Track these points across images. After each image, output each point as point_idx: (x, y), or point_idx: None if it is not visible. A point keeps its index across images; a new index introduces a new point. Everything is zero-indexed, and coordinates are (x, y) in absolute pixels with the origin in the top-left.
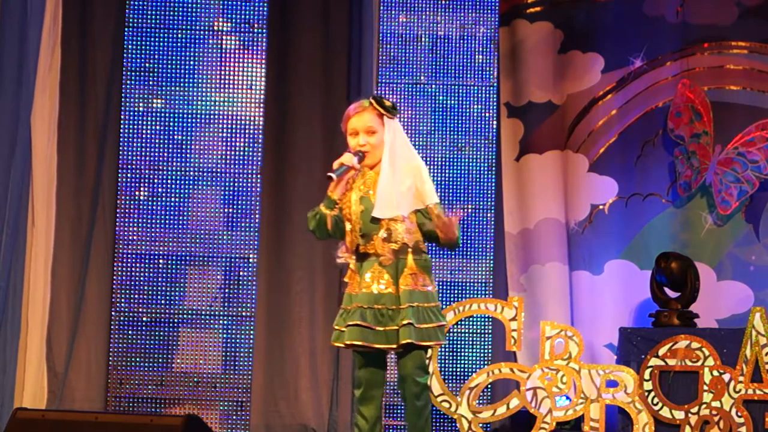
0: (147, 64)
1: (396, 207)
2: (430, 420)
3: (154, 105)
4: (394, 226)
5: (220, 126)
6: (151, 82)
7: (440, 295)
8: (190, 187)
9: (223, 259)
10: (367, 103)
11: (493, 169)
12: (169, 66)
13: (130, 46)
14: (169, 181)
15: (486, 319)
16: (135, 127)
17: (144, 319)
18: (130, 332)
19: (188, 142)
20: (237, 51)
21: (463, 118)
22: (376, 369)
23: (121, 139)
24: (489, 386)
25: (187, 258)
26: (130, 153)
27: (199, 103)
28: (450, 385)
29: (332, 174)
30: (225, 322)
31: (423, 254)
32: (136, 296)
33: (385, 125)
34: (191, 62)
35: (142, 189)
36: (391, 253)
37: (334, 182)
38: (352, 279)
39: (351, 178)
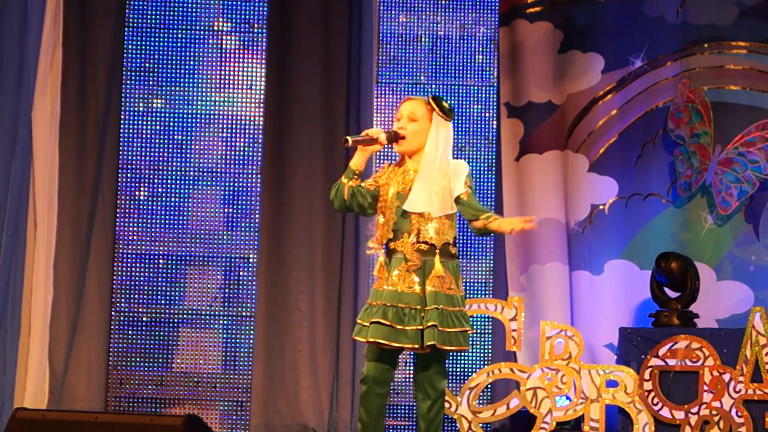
0: (147, 64)
1: (428, 203)
2: (441, 429)
3: (154, 105)
4: (424, 227)
5: (220, 126)
6: (151, 82)
7: None
8: (190, 187)
9: (223, 259)
10: (426, 97)
11: (493, 169)
12: (169, 66)
13: (130, 46)
14: (169, 181)
15: (486, 319)
16: (135, 127)
17: (144, 319)
18: (130, 332)
19: (188, 142)
20: (237, 51)
21: (463, 118)
22: (387, 367)
23: (121, 139)
24: (489, 386)
25: (187, 258)
26: (130, 153)
27: (199, 103)
28: (450, 385)
29: (348, 137)
30: (225, 322)
31: (452, 258)
32: (136, 296)
33: (433, 121)
34: (191, 62)
35: (142, 189)
36: (418, 257)
37: (357, 150)
38: (381, 274)
39: (372, 151)
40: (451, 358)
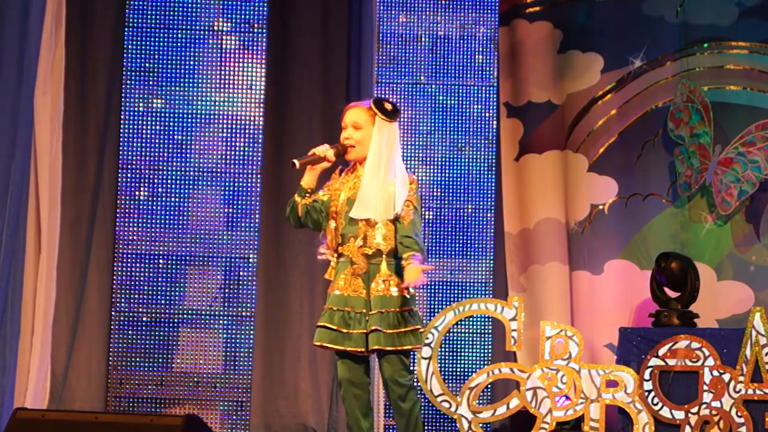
0: (147, 64)
1: (372, 209)
2: (420, 421)
3: (154, 105)
4: (371, 232)
5: (220, 126)
6: (151, 82)
7: (440, 295)
8: (190, 187)
9: (223, 259)
10: (368, 102)
11: (493, 169)
12: (169, 66)
13: (130, 46)
14: (169, 181)
15: (486, 319)
16: (135, 127)
17: (144, 319)
18: (130, 332)
19: (188, 142)
20: (237, 51)
21: (463, 118)
22: (356, 367)
23: (121, 139)
24: (489, 386)
25: (187, 258)
26: (130, 153)
27: (199, 103)
28: (450, 385)
29: (296, 160)
30: (225, 322)
31: (398, 259)
32: (136, 296)
33: (375, 125)
34: (191, 62)
35: (142, 189)
36: (364, 261)
37: (306, 170)
38: (332, 278)
39: (322, 168)
40: (451, 358)
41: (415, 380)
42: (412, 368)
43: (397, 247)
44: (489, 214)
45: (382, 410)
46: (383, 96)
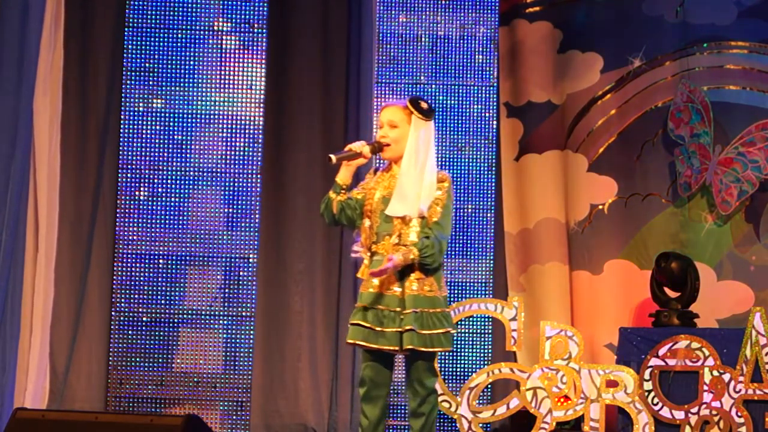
0: (147, 64)
1: (409, 207)
2: (434, 428)
3: (154, 105)
4: (406, 230)
5: (220, 126)
6: (151, 82)
7: None
8: (190, 187)
9: (223, 259)
10: (404, 101)
11: (493, 169)
12: (169, 66)
13: (130, 46)
14: (169, 181)
15: (486, 319)
16: (135, 127)
17: (144, 319)
18: (130, 332)
19: (188, 142)
20: (237, 51)
21: (463, 118)
22: (382, 369)
23: (121, 139)
24: (489, 386)
25: (187, 258)
26: (130, 153)
27: (199, 103)
28: (450, 385)
29: (332, 155)
30: (225, 322)
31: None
32: (136, 296)
33: (412, 124)
34: (191, 62)
35: (142, 189)
36: (388, 259)
37: (342, 167)
38: (365, 276)
39: (357, 165)
40: (451, 358)
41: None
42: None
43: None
44: (489, 214)
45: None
46: (382, 98)
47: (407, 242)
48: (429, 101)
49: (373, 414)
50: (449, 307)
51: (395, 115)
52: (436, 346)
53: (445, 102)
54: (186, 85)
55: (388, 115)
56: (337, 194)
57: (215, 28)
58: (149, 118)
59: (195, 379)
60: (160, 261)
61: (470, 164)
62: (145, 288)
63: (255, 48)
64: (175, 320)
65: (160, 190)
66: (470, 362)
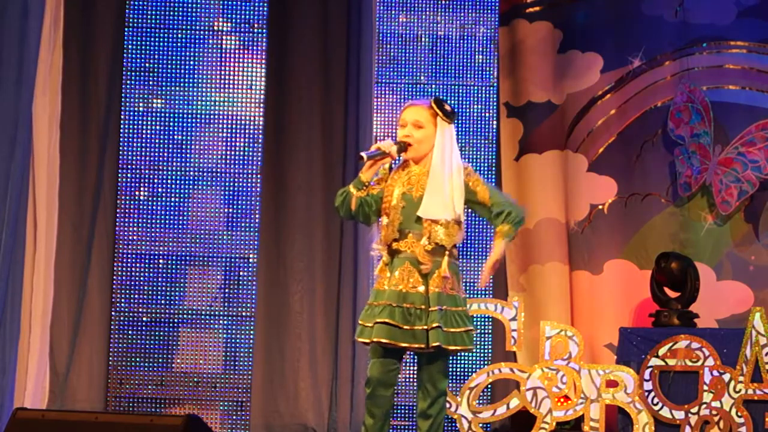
0: (147, 64)
1: (443, 209)
2: (442, 429)
3: (154, 105)
4: (435, 228)
5: (220, 126)
6: (151, 82)
7: None
8: (190, 187)
9: (223, 259)
10: (428, 101)
11: (493, 169)
12: (169, 66)
13: (130, 46)
14: (169, 181)
15: (486, 319)
16: (135, 127)
17: (144, 319)
18: (130, 332)
19: (188, 142)
20: (237, 51)
21: (463, 118)
22: (391, 368)
23: (121, 139)
24: (489, 386)
25: (187, 258)
26: (130, 153)
27: (199, 103)
28: (450, 385)
29: (364, 154)
30: (225, 322)
31: (456, 259)
32: (136, 296)
33: (437, 126)
34: (191, 62)
35: (142, 189)
36: (430, 260)
37: (366, 164)
38: (382, 274)
39: (382, 164)
40: (451, 358)
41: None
42: (409, 368)
43: (458, 242)
44: None
45: None
46: (380, 98)
47: (437, 240)
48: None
49: (379, 414)
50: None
51: (421, 116)
52: (459, 344)
53: None
54: (186, 85)
55: (412, 114)
56: (358, 190)
57: (215, 28)
58: (149, 118)
59: (195, 379)
60: (160, 261)
61: (470, 164)
62: (145, 288)
63: (255, 48)
64: (175, 320)
65: (160, 190)
66: (470, 362)
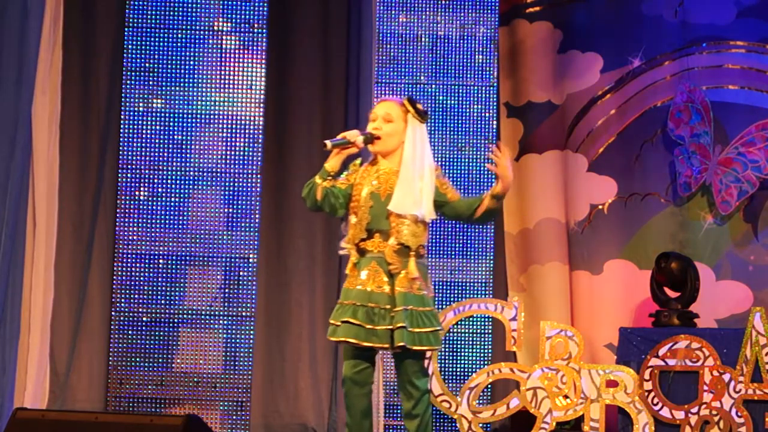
0: (147, 64)
1: (413, 204)
2: (430, 427)
3: (154, 105)
4: (401, 228)
5: (220, 126)
6: (151, 82)
7: (440, 295)
8: (190, 187)
9: (223, 259)
10: (401, 99)
11: None
12: (169, 66)
13: (130, 46)
14: (169, 181)
15: (486, 319)
16: (135, 127)
17: (144, 319)
18: (130, 332)
19: (188, 142)
20: (237, 51)
21: (463, 118)
22: (364, 367)
23: (121, 139)
24: (489, 386)
25: (187, 258)
26: (130, 153)
27: (199, 103)
28: (450, 385)
29: (328, 141)
30: (225, 322)
31: (423, 258)
32: (136, 296)
33: (408, 123)
34: (191, 62)
35: (142, 189)
36: (399, 260)
37: (333, 153)
38: (351, 273)
39: (348, 154)
40: (451, 358)
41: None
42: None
43: (424, 243)
44: None
45: (382, 410)
46: (380, 97)
47: (403, 241)
48: (425, 105)
49: (356, 412)
50: (450, 306)
51: (392, 110)
52: (425, 344)
53: (445, 102)
54: (186, 85)
55: (384, 109)
56: (323, 180)
57: (215, 28)
58: (149, 118)
59: (195, 379)
60: (160, 261)
61: (470, 164)
62: (145, 288)
63: (255, 48)
64: (175, 320)
65: (160, 190)
66: (470, 362)
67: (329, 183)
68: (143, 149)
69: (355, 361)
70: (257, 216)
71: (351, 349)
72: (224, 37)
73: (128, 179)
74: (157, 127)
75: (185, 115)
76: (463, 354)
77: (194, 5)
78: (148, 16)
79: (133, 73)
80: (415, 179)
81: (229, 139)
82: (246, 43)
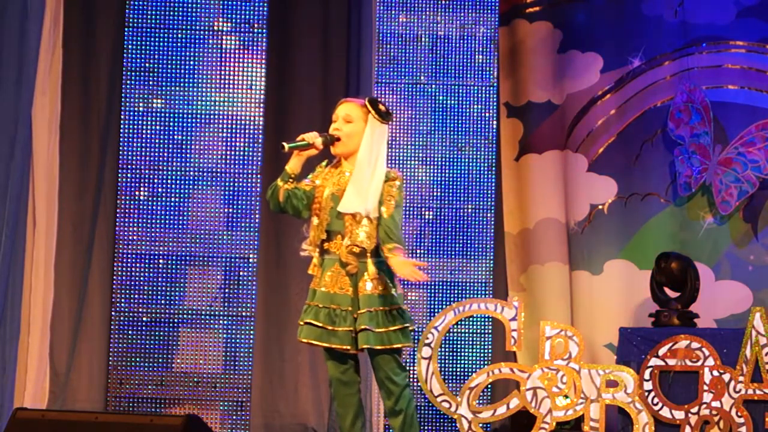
0: (147, 64)
1: (362, 203)
2: (416, 421)
3: (154, 105)
4: (356, 230)
5: (220, 126)
6: (151, 82)
7: (440, 295)
8: (190, 187)
9: (223, 259)
10: (363, 100)
11: (493, 169)
12: (169, 66)
13: (130, 46)
14: (169, 181)
15: (486, 319)
16: (135, 127)
17: (144, 319)
18: (130, 332)
19: (188, 142)
20: (237, 51)
21: (463, 118)
22: (346, 367)
23: (121, 139)
24: (489, 386)
25: (187, 258)
26: (130, 153)
27: (199, 103)
28: (450, 385)
29: (285, 144)
30: (225, 322)
31: (381, 258)
32: (136, 296)
33: (368, 123)
34: (191, 62)
35: (142, 189)
36: (354, 260)
37: (293, 155)
38: (316, 274)
39: (308, 155)
40: (451, 358)
41: (410, 379)
42: (409, 368)
43: (379, 244)
44: (489, 214)
45: (382, 410)
46: (380, 98)
47: (358, 242)
48: (388, 105)
49: (347, 412)
50: (450, 306)
51: (352, 111)
52: (394, 342)
53: (445, 102)
54: (186, 85)
55: (345, 110)
56: (284, 182)
57: (215, 28)
58: (149, 118)
59: (195, 379)
60: (160, 261)
61: (470, 164)
62: (145, 288)
63: (255, 48)
64: (175, 320)
65: (160, 190)
66: (470, 362)
67: (291, 185)
68: (143, 149)
69: (334, 362)
70: (257, 216)
71: (327, 350)
72: (224, 37)
73: (128, 179)
74: (157, 127)
75: (185, 115)
76: (463, 354)
77: (194, 5)
78: (148, 16)
79: (133, 73)
80: (366, 178)
81: (229, 139)
82: (246, 43)
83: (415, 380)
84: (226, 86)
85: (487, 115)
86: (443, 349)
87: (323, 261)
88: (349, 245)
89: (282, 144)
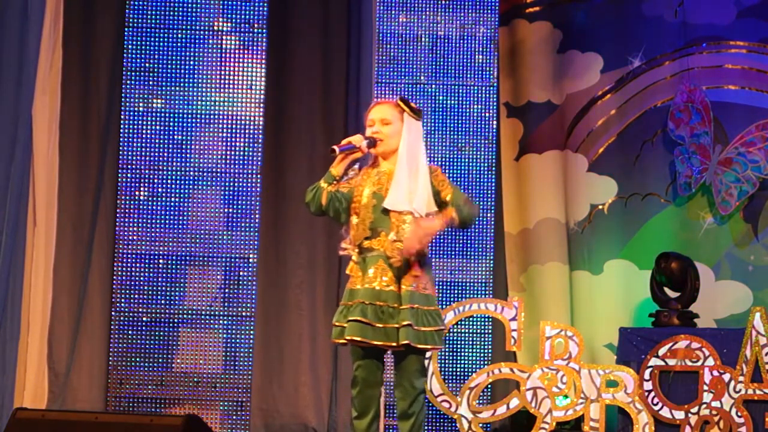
0: (147, 64)
1: (408, 201)
2: (423, 430)
3: (154, 105)
4: (402, 226)
5: (220, 126)
6: (151, 82)
7: (440, 295)
8: (190, 187)
9: (223, 259)
10: (394, 100)
11: (493, 169)
12: (169, 66)
13: (130, 46)
14: (169, 181)
15: (486, 319)
16: (135, 127)
17: (144, 319)
18: (130, 332)
19: (188, 142)
20: (237, 51)
21: (463, 118)
22: (374, 367)
23: (121, 139)
24: (489, 386)
25: (187, 258)
26: (130, 153)
27: (199, 103)
28: (450, 385)
29: (336, 147)
30: (225, 322)
31: (425, 257)
32: (136, 296)
33: (404, 122)
34: (191, 62)
35: (142, 189)
36: (399, 253)
37: (338, 158)
38: (355, 273)
39: (353, 159)
40: (451, 358)
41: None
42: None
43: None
44: (489, 214)
45: (382, 410)
46: (380, 98)
47: (403, 237)
48: (418, 104)
49: (367, 414)
50: (450, 306)
51: (388, 113)
52: (429, 343)
53: (445, 102)
54: (186, 85)
55: (380, 113)
56: (329, 184)
57: (215, 28)
58: (149, 118)
59: (195, 379)
60: (160, 261)
61: (470, 164)
62: (145, 288)
63: (255, 48)
64: (175, 320)
65: (160, 190)
66: (470, 362)
67: (334, 187)
68: (143, 149)
69: (366, 361)
70: (257, 216)
71: (360, 350)
72: (224, 37)
73: (128, 179)
74: (157, 127)
75: (185, 115)
76: (463, 354)
77: (194, 5)
78: (148, 16)
79: (133, 73)
80: (410, 175)
81: (229, 139)
82: (246, 43)
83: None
84: (226, 86)
85: (487, 115)
86: (443, 349)
87: (365, 259)
88: (396, 240)
89: (332, 147)
